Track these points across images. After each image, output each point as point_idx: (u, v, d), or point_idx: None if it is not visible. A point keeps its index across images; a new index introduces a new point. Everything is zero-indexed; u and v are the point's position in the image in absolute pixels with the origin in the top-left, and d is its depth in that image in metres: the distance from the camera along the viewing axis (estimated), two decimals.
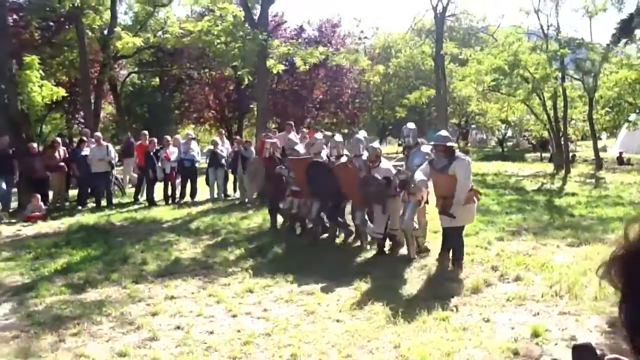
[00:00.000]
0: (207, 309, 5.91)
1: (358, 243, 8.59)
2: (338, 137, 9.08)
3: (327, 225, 9.01)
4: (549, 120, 18.96)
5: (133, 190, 14.11)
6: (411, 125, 8.07)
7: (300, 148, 9.32)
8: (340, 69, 27.70)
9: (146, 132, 14.05)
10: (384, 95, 31.23)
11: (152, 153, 13.04)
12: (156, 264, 7.85)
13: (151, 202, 12.86)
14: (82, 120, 21.77)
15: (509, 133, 35.33)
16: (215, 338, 5.08)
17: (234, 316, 5.65)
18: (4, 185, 12.57)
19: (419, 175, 6.89)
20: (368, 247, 8.26)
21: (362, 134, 9.32)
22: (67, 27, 21.32)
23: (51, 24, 21.90)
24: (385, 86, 30.57)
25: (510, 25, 21.28)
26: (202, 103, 29.43)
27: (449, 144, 6.88)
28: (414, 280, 6.70)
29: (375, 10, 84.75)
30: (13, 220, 11.61)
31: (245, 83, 17.68)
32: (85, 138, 13.80)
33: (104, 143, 13.38)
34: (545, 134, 22.08)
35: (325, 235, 9.10)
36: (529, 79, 17.90)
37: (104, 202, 13.02)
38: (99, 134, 14.06)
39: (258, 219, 10.77)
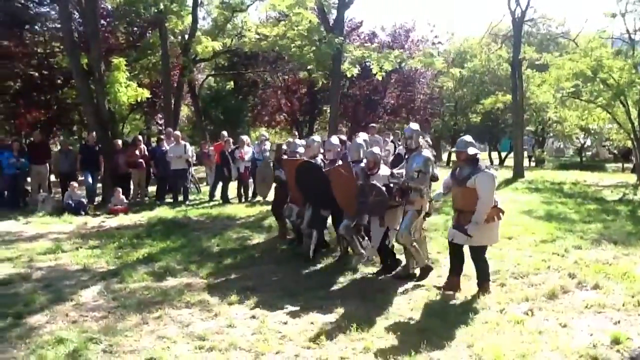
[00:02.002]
0: (281, 301, 6.07)
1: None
2: (334, 140, 8.31)
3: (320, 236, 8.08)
4: (633, 129, 18.05)
5: (208, 187, 14.61)
6: (414, 125, 7.11)
7: (302, 150, 8.63)
8: (413, 74, 27.52)
9: (225, 132, 14.49)
10: (457, 100, 30.73)
11: (227, 153, 13.45)
12: (232, 257, 8.11)
13: (225, 200, 13.24)
14: (161, 121, 22.70)
15: (588, 142, 33.95)
16: (289, 328, 5.22)
17: (307, 309, 5.77)
18: (90, 179, 13.36)
19: (442, 187, 6.49)
20: (364, 252, 7.40)
21: (362, 137, 8.20)
22: (150, 31, 22.36)
23: (135, 29, 22.98)
24: (459, 91, 30.08)
25: (593, 30, 20.49)
26: (274, 106, 29.97)
27: (470, 151, 6.05)
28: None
29: (451, 16, 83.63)
30: (98, 213, 12.30)
31: (318, 86, 17.89)
32: (164, 136, 14.43)
33: (182, 142, 13.94)
34: (629, 143, 21.04)
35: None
36: (612, 85, 17.16)
37: (180, 198, 13.55)
38: (178, 132, 14.66)
39: None
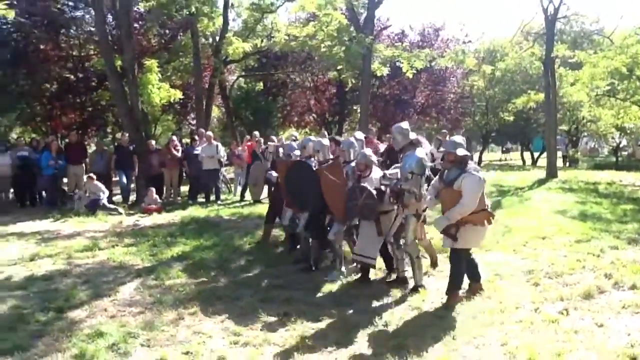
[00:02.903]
0: (314, 299, 6.13)
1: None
2: (324, 140, 7.92)
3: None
4: None
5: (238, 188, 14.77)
6: (405, 124, 6.67)
7: (298, 152, 8.22)
8: (443, 73, 27.33)
9: (257, 132, 14.62)
10: (488, 100, 30.37)
11: (258, 152, 13.57)
12: (264, 255, 8.19)
13: (256, 200, 13.37)
14: (193, 122, 23.01)
15: (624, 142, 33.22)
16: (322, 325, 5.27)
17: (339, 306, 5.81)
18: (124, 179, 13.64)
19: (429, 192, 6.07)
20: (343, 269, 7.07)
21: (357, 136, 7.88)
22: (181, 34, 22.70)
23: (167, 31, 23.35)
24: (489, 90, 29.74)
25: (628, 27, 20.04)
26: (303, 107, 30.09)
27: (460, 152, 5.70)
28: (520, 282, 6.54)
29: (481, 14, 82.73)
30: (132, 212, 12.52)
31: (348, 86, 17.92)
32: (197, 137, 14.63)
33: (214, 142, 14.11)
34: None
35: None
36: None
37: (212, 198, 13.73)
38: (210, 133, 14.85)
39: None
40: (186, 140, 18.75)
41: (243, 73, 28.13)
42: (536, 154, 32.89)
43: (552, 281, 6.48)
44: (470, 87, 29.82)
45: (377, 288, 6.50)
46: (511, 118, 26.66)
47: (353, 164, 6.94)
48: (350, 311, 5.70)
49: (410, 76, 15.64)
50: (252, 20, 21.51)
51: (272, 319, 5.50)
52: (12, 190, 14.11)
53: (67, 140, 15.77)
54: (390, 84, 26.13)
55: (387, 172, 6.62)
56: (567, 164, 30.79)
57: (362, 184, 6.47)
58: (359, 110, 27.69)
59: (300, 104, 30.11)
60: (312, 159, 7.68)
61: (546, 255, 7.54)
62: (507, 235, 8.83)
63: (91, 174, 12.83)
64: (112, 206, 12.53)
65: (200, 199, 13.92)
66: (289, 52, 21.07)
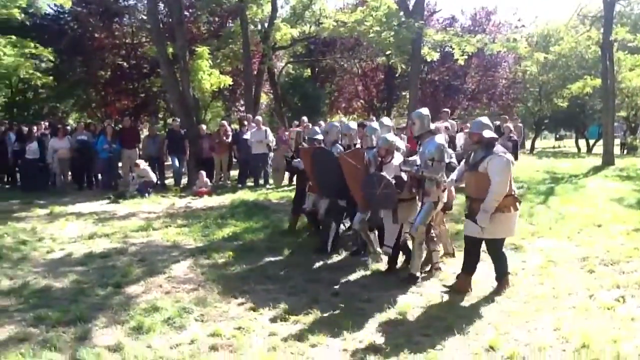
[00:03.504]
0: (361, 280, 6.17)
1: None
2: (352, 124, 7.72)
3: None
4: None
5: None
6: (425, 110, 6.40)
7: (321, 137, 8.04)
8: (495, 59, 26.72)
9: (305, 118, 14.69)
10: (541, 85, 29.55)
11: (306, 137, 13.61)
12: (313, 238, 8.25)
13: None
14: (242, 108, 23.29)
15: None
16: (371, 305, 5.30)
17: (388, 289, 5.82)
18: (177, 163, 13.97)
19: (454, 174, 5.92)
20: (369, 260, 6.83)
21: (386, 122, 7.49)
22: (230, 21, 22.96)
23: (216, 18, 23.67)
24: (543, 76, 28.90)
25: None
26: (351, 93, 30.01)
27: (486, 134, 5.44)
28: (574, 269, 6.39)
29: None
30: (183, 194, 12.82)
31: (398, 72, 17.76)
32: (246, 122, 14.81)
33: (263, 127, 14.27)
34: None
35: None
36: None
37: (261, 182, 13.92)
38: (259, 118, 15.03)
39: None
40: (235, 125, 18.95)
41: (291, 59, 28.24)
42: (592, 141, 31.83)
43: (607, 269, 6.31)
44: (522, 73, 29.06)
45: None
46: (565, 104, 25.86)
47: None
48: (399, 293, 5.70)
49: (462, 62, 15.38)
50: (300, 7, 21.54)
51: (323, 296, 5.59)
52: (70, 172, 14.65)
53: (120, 125, 16.23)
54: (440, 69, 25.74)
55: (409, 158, 6.38)
56: (625, 151, 29.66)
57: (380, 173, 6.16)
58: (407, 96, 27.53)
59: (348, 90, 30.06)
60: (337, 144, 7.52)
61: (602, 243, 7.34)
62: (560, 222, 8.64)
63: (137, 161, 13.15)
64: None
65: (249, 183, 14.13)
66: (337, 38, 20.99)
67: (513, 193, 5.50)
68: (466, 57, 14.95)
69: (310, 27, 21.66)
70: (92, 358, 4.16)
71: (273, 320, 4.97)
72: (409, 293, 5.69)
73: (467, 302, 5.38)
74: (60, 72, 20.15)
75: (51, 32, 20.98)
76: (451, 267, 6.45)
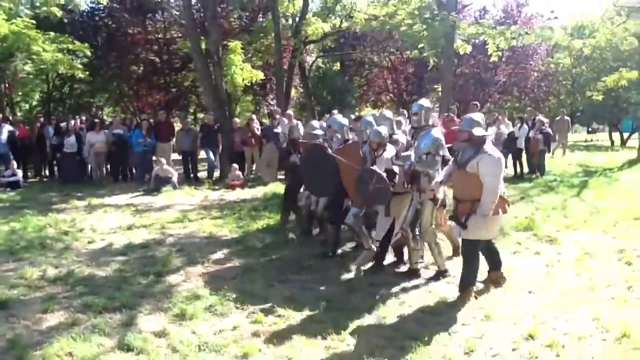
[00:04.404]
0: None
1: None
2: (344, 119, 7.36)
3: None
4: None
5: None
6: (425, 102, 6.27)
7: (320, 132, 7.69)
8: (526, 51, 26.33)
9: (335, 111, 14.73)
10: (574, 78, 29.02)
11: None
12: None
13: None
14: (272, 102, 23.43)
15: None
16: (410, 295, 5.37)
17: (426, 281, 5.88)
18: (211, 156, 14.18)
19: (444, 171, 5.57)
20: (372, 247, 6.43)
21: (387, 114, 7.11)
22: (261, 15, 23.10)
23: (247, 13, 23.83)
24: (576, 69, 28.38)
25: None
26: (380, 86, 29.93)
27: (477, 131, 5.11)
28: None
29: None
30: (216, 187, 13.01)
31: (430, 65, 17.67)
32: (277, 116, 14.93)
33: (295, 121, 14.34)
34: None
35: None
36: None
37: None
38: (290, 112, 15.12)
39: None
40: (265, 120, 19.10)
41: (321, 53, 28.27)
42: (625, 135, 31.18)
43: None
44: (555, 65, 28.57)
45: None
46: (601, 97, 25.33)
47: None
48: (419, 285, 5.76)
49: (496, 58, 15.22)
50: (331, 0, 21.52)
51: (361, 285, 5.71)
52: (106, 165, 14.98)
53: (152, 120, 16.51)
54: (470, 62, 25.49)
55: (403, 153, 6.18)
56: None
57: (372, 168, 5.97)
58: (437, 90, 27.34)
59: (377, 84, 29.98)
60: (334, 139, 7.22)
61: (639, 236, 7.26)
62: (595, 216, 8.57)
63: (161, 159, 13.31)
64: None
65: (280, 176, 14.21)
66: (368, 32, 20.94)
67: (502, 194, 5.18)
68: (500, 53, 14.76)
69: (341, 20, 21.63)
70: (139, 343, 4.31)
71: (312, 308, 5.07)
72: (445, 283, 5.74)
73: (503, 293, 5.40)
74: (94, 67, 20.54)
75: (86, 28, 21.46)
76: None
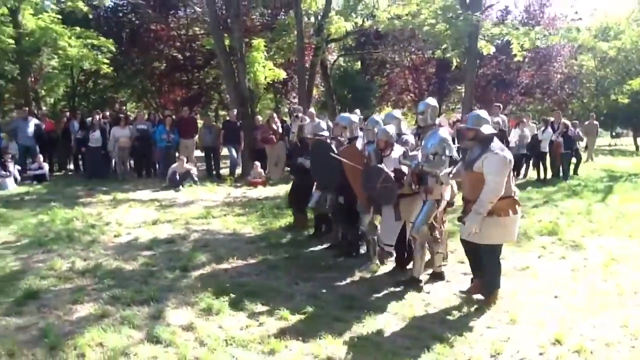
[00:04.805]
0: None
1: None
2: (353, 117, 7.19)
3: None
4: None
5: None
6: (431, 101, 6.10)
7: (327, 133, 7.36)
8: (550, 52, 26.11)
9: (358, 110, 14.74)
10: (598, 81, 28.70)
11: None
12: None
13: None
14: (294, 100, 23.49)
15: None
16: (434, 297, 5.37)
17: (448, 281, 5.88)
18: (234, 153, 14.28)
19: (453, 172, 5.44)
20: (377, 262, 6.40)
21: (395, 114, 6.78)
22: (282, 13, 23.15)
23: (268, 10, 23.92)
24: (600, 71, 28.05)
25: None
26: (401, 86, 29.85)
27: (485, 129, 4.98)
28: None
29: None
30: (238, 184, 13.10)
31: (453, 65, 17.59)
32: (300, 114, 14.96)
33: (317, 119, 14.37)
34: None
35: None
36: None
37: None
38: (312, 110, 15.14)
39: None
40: (286, 118, 19.15)
41: (342, 52, 28.28)
42: None
43: None
44: (579, 67, 28.27)
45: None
46: (626, 100, 25.00)
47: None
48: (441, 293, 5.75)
49: (520, 58, 15.12)
50: None
51: (384, 285, 5.72)
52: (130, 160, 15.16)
53: (173, 116, 16.61)
54: (492, 63, 25.33)
55: (410, 153, 5.97)
56: None
57: (379, 166, 5.80)
58: (459, 90, 27.22)
59: (398, 83, 29.90)
60: (340, 137, 7.05)
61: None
62: (620, 221, 8.52)
63: (182, 156, 13.38)
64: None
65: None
66: (390, 31, 20.89)
67: (513, 195, 5.02)
68: (524, 53, 14.66)
69: (363, 19, 21.62)
70: (167, 336, 4.38)
71: (336, 307, 5.10)
72: (469, 286, 5.72)
73: (528, 297, 5.38)
74: (118, 63, 20.77)
75: (110, 24, 21.71)
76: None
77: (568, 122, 14.05)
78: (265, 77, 16.48)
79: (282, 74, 17.44)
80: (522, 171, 14.63)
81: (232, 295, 5.31)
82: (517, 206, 5.04)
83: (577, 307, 5.03)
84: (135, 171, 14.90)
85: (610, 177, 13.53)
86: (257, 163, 13.44)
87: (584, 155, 17.58)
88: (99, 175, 13.77)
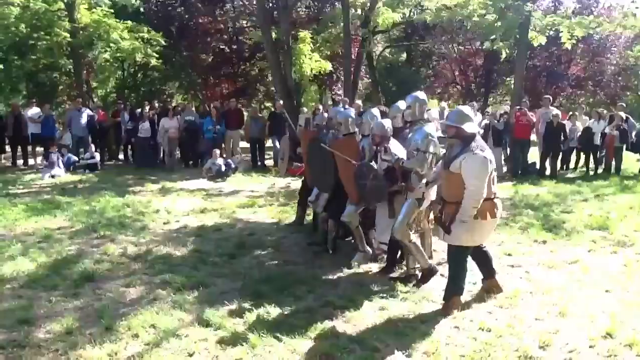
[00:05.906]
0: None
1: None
2: (349, 111, 6.82)
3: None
4: None
5: None
6: (420, 94, 5.67)
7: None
8: (604, 42, 25.24)
9: (403, 102, 14.66)
10: None
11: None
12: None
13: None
14: (339, 92, 23.49)
15: None
16: (477, 287, 5.32)
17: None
18: (277, 144, 14.39)
19: (435, 170, 5.16)
20: (368, 249, 6.29)
21: (400, 105, 6.22)
22: (328, 5, 23.14)
23: (315, 2, 23.97)
24: None
25: None
26: (448, 78, 29.44)
27: (468, 127, 4.63)
28: None
29: None
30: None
31: (502, 57, 17.25)
32: (346, 106, 14.97)
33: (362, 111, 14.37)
34: None
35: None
36: None
37: None
38: (359, 102, 15.15)
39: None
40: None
41: (388, 44, 28.06)
42: None
43: None
44: (634, 59, 27.24)
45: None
46: None
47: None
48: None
49: (570, 47, 14.69)
50: None
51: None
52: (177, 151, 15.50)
53: (217, 107, 16.86)
54: (542, 54, 24.69)
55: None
56: None
57: (370, 163, 5.66)
58: (507, 82, 26.64)
59: (444, 75, 29.50)
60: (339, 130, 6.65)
61: None
62: None
63: (216, 150, 13.49)
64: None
65: None
66: (438, 22, 20.61)
67: (492, 197, 4.68)
68: (574, 41, 14.23)
69: (411, 10, 21.39)
70: (217, 320, 4.49)
71: (383, 296, 5.11)
72: (517, 278, 5.65)
73: (578, 290, 5.27)
74: (167, 56, 21.19)
75: (160, 17, 22.13)
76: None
77: (623, 115, 13.62)
78: (311, 69, 16.53)
79: (328, 66, 17.43)
80: (572, 164, 14.31)
81: (279, 282, 5.40)
82: (495, 210, 4.70)
83: (629, 302, 4.91)
84: (183, 161, 15.21)
85: None
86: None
87: None
88: (147, 165, 14.14)
